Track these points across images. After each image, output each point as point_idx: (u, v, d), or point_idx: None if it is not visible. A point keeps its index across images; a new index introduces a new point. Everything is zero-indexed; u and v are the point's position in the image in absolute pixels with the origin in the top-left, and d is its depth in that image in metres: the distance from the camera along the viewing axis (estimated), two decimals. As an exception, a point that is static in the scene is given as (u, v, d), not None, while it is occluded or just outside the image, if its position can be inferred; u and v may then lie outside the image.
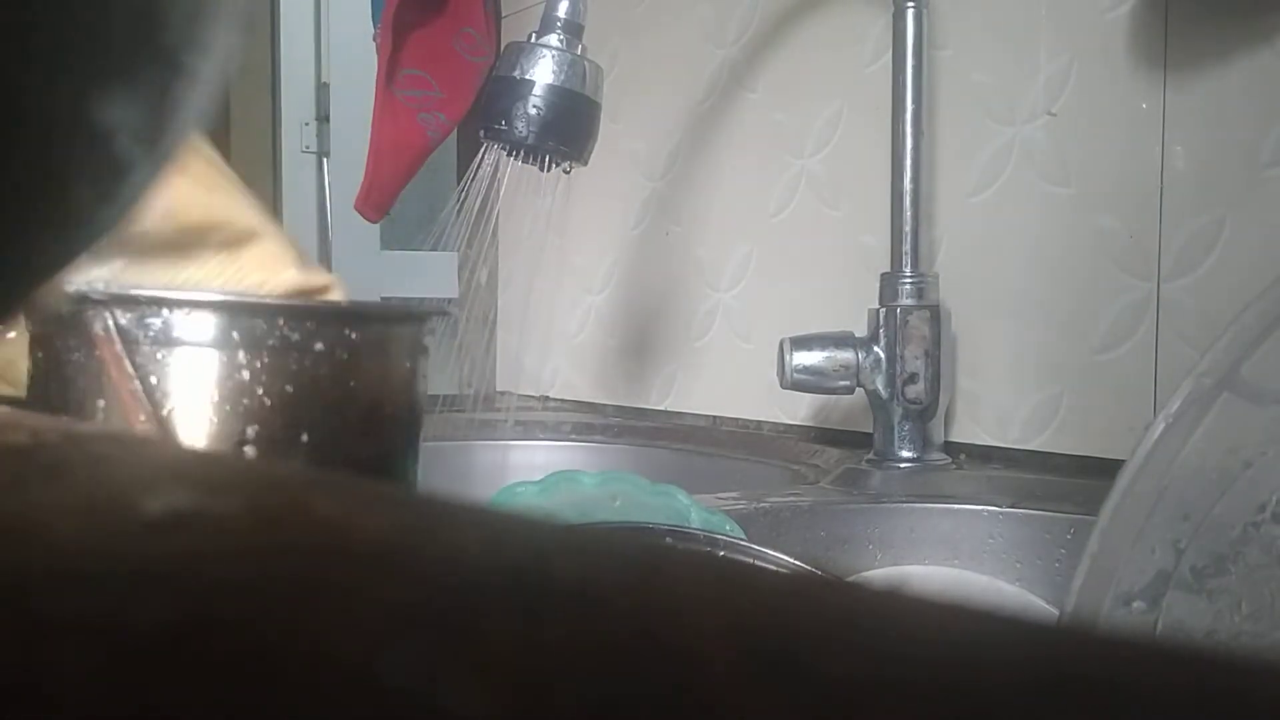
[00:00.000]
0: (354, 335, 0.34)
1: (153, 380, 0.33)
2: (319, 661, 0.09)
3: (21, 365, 0.35)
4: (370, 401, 0.35)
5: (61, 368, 0.33)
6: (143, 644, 0.10)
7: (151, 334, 0.32)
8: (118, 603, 0.10)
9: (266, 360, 0.33)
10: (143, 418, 0.32)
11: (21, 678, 0.09)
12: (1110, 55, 0.74)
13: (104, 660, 0.09)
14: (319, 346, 0.34)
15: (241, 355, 0.33)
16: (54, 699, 0.09)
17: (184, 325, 0.32)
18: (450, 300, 1.29)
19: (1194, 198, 0.70)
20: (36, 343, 0.35)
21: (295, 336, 0.33)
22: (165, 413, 0.33)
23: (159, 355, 0.33)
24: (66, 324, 0.33)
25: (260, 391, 0.33)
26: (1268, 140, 0.66)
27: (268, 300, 0.35)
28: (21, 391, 0.36)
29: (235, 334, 0.33)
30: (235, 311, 0.33)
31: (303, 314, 0.34)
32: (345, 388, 0.34)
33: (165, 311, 0.33)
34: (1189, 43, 0.70)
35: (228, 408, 0.33)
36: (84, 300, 0.32)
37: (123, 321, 0.32)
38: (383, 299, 1.34)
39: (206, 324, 0.33)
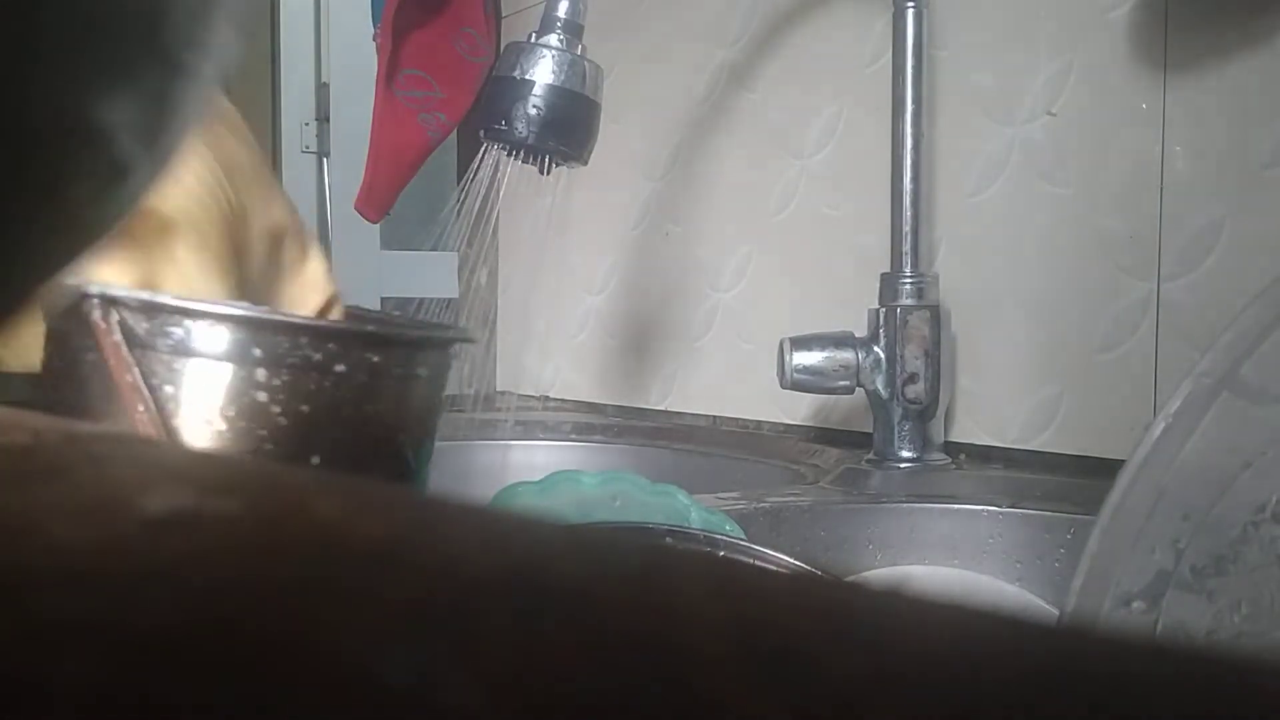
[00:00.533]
0: (376, 359, 0.34)
1: (168, 389, 0.32)
2: (319, 662, 0.09)
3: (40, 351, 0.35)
4: (386, 427, 0.35)
5: (70, 364, 0.33)
6: (143, 644, 0.10)
7: (171, 343, 0.32)
8: (118, 603, 0.10)
9: (285, 378, 0.32)
10: (140, 408, 0.32)
11: (21, 678, 0.09)
12: (1110, 55, 0.74)
13: (104, 660, 0.09)
14: (340, 368, 0.33)
15: (260, 373, 0.32)
16: (54, 699, 0.09)
17: (202, 336, 0.32)
18: (450, 301, 1.29)
19: (1194, 198, 0.70)
20: (49, 336, 0.34)
21: (317, 356, 0.33)
22: (175, 422, 0.32)
23: (175, 364, 0.32)
24: (73, 318, 0.32)
25: (277, 410, 0.32)
26: (1268, 140, 0.66)
27: (292, 318, 0.34)
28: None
29: (256, 350, 0.32)
30: (257, 327, 0.32)
31: (326, 334, 0.33)
32: (362, 411, 0.34)
33: (186, 321, 0.32)
34: (1189, 43, 0.70)
35: (241, 424, 0.32)
36: (84, 292, 0.32)
37: (127, 317, 0.32)
38: (382, 300, 1.34)
39: (225, 337, 0.32)
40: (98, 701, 0.09)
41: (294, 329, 0.33)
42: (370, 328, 0.35)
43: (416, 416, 0.36)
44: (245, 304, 0.34)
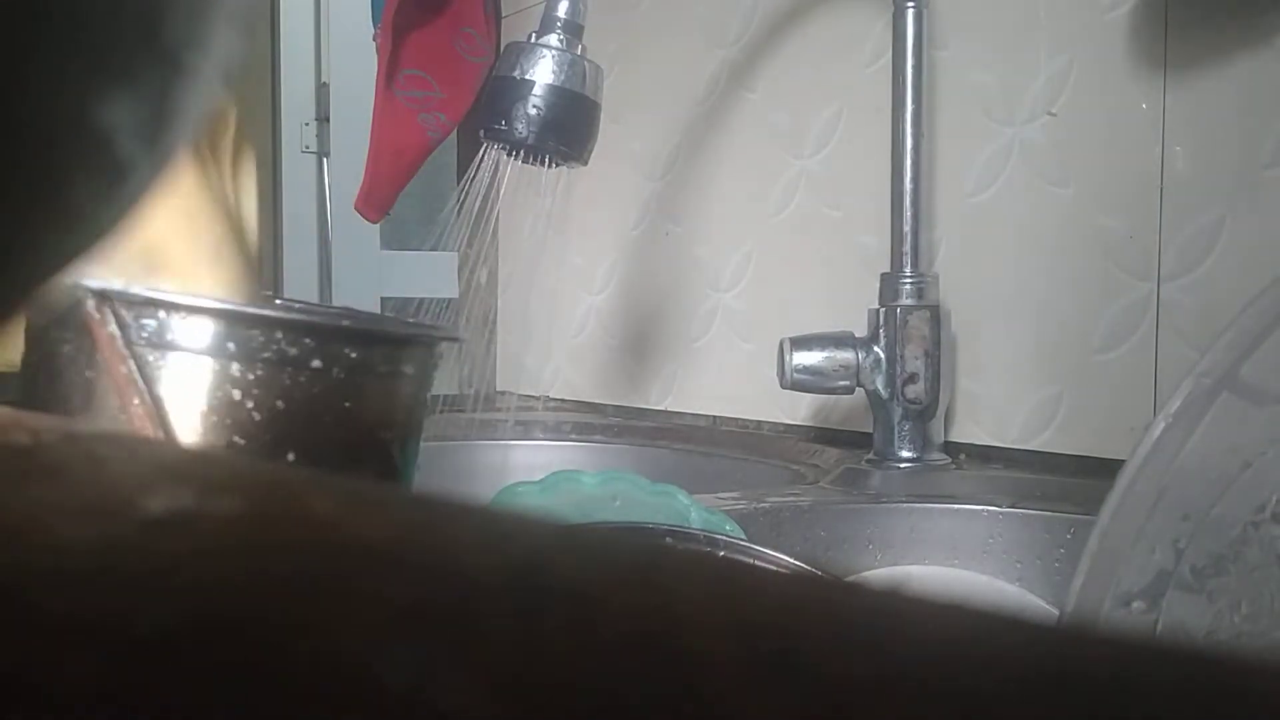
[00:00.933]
0: (355, 355, 0.33)
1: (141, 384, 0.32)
2: (318, 661, 0.09)
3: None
4: (365, 425, 0.34)
5: (53, 359, 0.33)
6: (142, 644, 0.10)
7: (145, 335, 0.32)
8: (118, 603, 0.10)
9: (260, 373, 0.32)
10: (136, 401, 0.32)
11: (21, 678, 0.09)
12: (1110, 55, 0.74)
13: (104, 660, 0.09)
14: (316, 364, 0.33)
15: (235, 367, 0.32)
16: (54, 699, 0.09)
17: (179, 329, 0.32)
18: (450, 301, 1.29)
19: (1194, 198, 0.70)
20: (30, 337, 0.34)
21: (292, 351, 0.32)
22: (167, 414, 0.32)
23: (150, 357, 0.32)
24: (61, 315, 0.32)
25: (250, 405, 0.32)
26: (1268, 140, 0.66)
27: (267, 311, 0.34)
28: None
29: (231, 344, 0.32)
30: (232, 320, 0.32)
31: (302, 329, 0.33)
32: (339, 409, 0.33)
33: (161, 313, 0.32)
34: (1189, 43, 0.70)
35: (214, 418, 0.32)
36: (76, 287, 0.32)
37: (118, 307, 0.32)
38: (382, 300, 1.34)
39: (203, 330, 0.32)
40: (98, 701, 0.09)
41: (269, 323, 0.32)
42: (347, 323, 0.35)
43: (400, 415, 0.36)
44: (222, 297, 0.34)
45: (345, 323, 0.34)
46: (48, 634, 0.10)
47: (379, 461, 0.35)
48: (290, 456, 0.33)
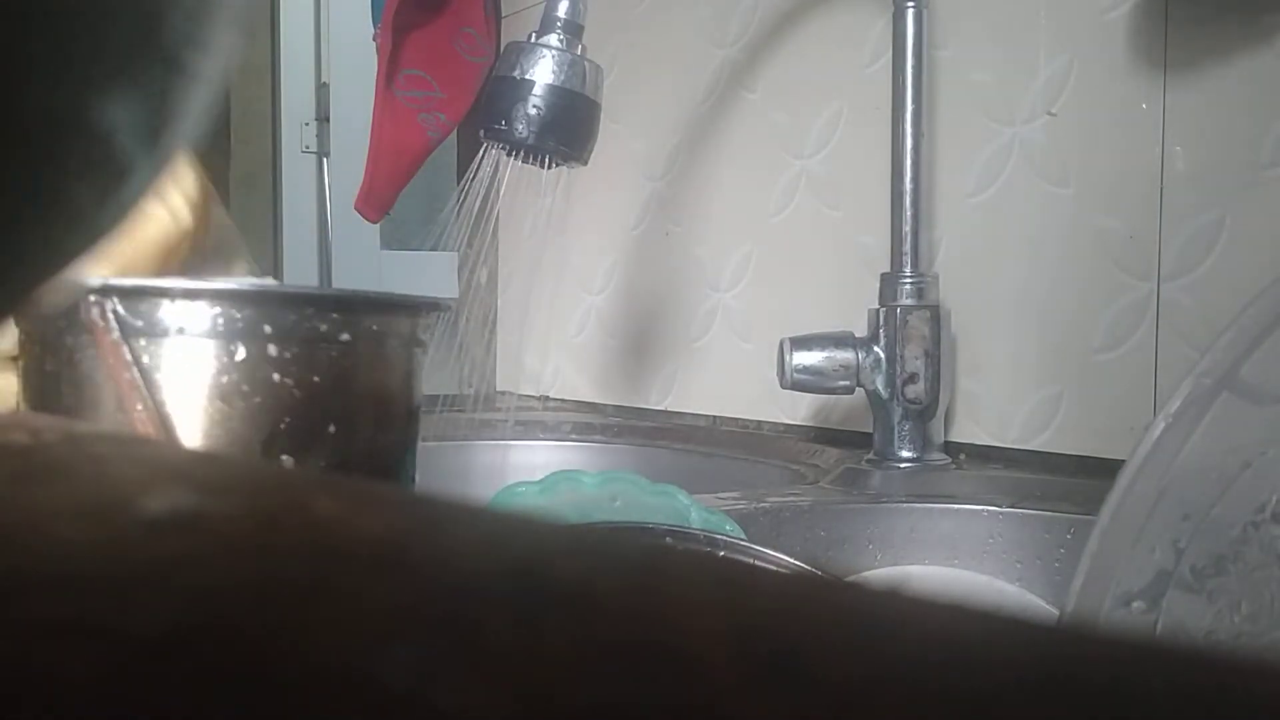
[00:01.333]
0: (375, 326, 0.34)
1: (178, 376, 0.32)
2: (318, 662, 0.09)
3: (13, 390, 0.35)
4: (391, 391, 0.35)
5: (60, 365, 0.33)
6: (142, 645, 0.10)
7: (170, 329, 0.32)
8: (118, 603, 0.10)
9: (296, 351, 0.33)
10: (139, 406, 0.32)
11: (21, 678, 0.09)
12: (1110, 55, 0.74)
13: (103, 662, 0.09)
14: (345, 337, 0.34)
15: (271, 348, 0.33)
16: (53, 700, 0.09)
17: (207, 319, 0.32)
18: (450, 300, 1.29)
19: (1194, 198, 0.70)
20: (30, 342, 0.34)
21: (323, 327, 0.33)
22: (179, 413, 0.32)
23: (185, 349, 0.32)
24: (64, 319, 0.32)
25: (291, 384, 0.33)
26: (1268, 140, 0.66)
27: (299, 289, 0.35)
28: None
29: (267, 326, 0.33)
30: (266, 302, 0.33)
31: (329, 303, 0.34)
32: (369, 378, 0.34)
33: (187, 304, 0.32)
34: (1189, 43, 0.70)
35: (258, 400, 0.33)
36: (80, 290, 0.32)
37: (122, 310, 0.32)
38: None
39: (237, 316, 0.32)
40: (97, 701, 0.09)
41: (301, 300, 0.33)
42: (370, 295, 0.36)
43: (414, 379, 0.37)
44: (249, 280, 0.35)
45: (369, 295, 0.36)
46: (48, 634, 0.10)
47: (402, 426, 0.36)
48: (331, 429, 0.33)
